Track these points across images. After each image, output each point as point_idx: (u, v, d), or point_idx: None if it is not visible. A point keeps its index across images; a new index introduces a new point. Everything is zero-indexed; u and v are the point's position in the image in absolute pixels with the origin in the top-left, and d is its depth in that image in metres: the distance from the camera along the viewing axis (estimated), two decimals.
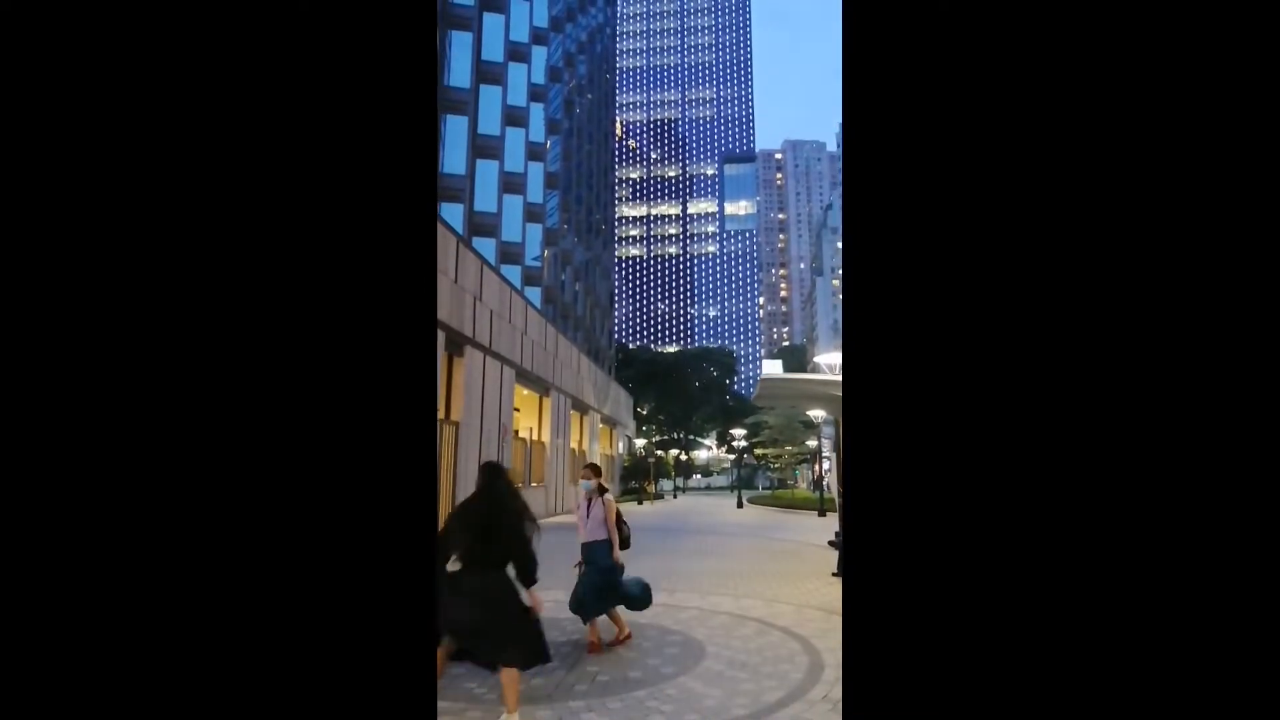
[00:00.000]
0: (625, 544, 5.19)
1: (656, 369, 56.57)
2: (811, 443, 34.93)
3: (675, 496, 42.14)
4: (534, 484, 21.17)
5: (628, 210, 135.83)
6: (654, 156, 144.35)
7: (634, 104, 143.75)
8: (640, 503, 31.65)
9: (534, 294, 26.79)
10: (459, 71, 24.67)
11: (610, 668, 4.54)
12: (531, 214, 28.38)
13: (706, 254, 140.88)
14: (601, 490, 5.23)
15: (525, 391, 20.80)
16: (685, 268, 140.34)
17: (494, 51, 26.34)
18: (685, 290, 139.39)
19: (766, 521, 20.05)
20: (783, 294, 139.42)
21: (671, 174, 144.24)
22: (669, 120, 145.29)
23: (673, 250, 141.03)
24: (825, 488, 25.44)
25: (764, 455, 43.66)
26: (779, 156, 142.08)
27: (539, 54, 30.10)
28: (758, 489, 50.05)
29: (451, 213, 22.72)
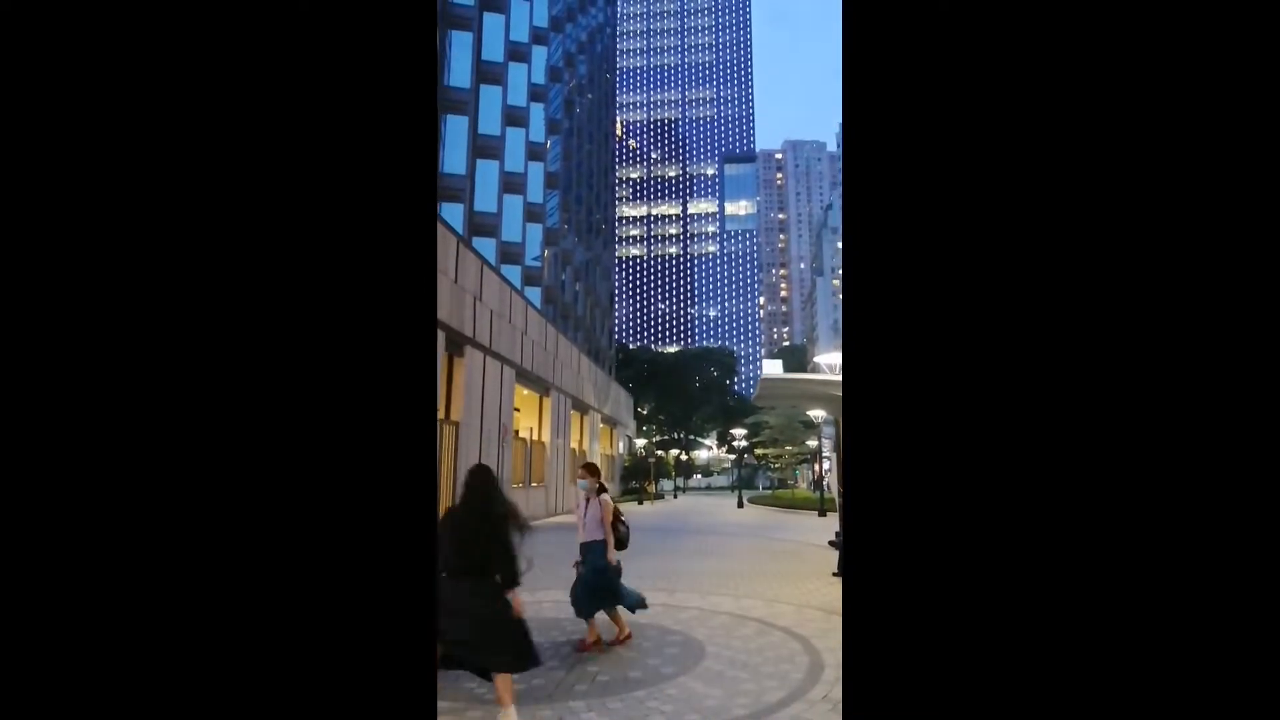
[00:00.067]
0: (622, 544, 5.19)
1: (657, 369, 56.59)
2: (812, 443, 34.93)
3: (675, 496, 42.13)
4: (534, 484, 21.17)
5: (628, 210, 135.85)
6: (654, 156, 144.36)
7: (634, 104, 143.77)
8: (640, 503, 31.65)
9: (534, 294, 26.79)
10: (459, 71, 24.67)
11: (610, 668, 4.54)
12: (532, 214, 28.38)
13: (707, 254, 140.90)
14: (600, 490, 5.23)
15: (525, 391, 20.81)
16: (685, 268, 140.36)
17: (494, 51, 26.34)
18: (685, 290, 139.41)
19: (767, 521, 20.05)
20: (783, 294, 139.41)
21: (672, 174, 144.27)
22: (669, 120, 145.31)
23: (673, 250, 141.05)
24: (825, 488, 25.45)
25: (764, 455, 43.65)
26: (779, 156, 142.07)
27: (539, 54, 30.10)
28: (758, 489, 50.04)
29: (452, 213, 22.72)
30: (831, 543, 11.34)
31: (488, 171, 25.61)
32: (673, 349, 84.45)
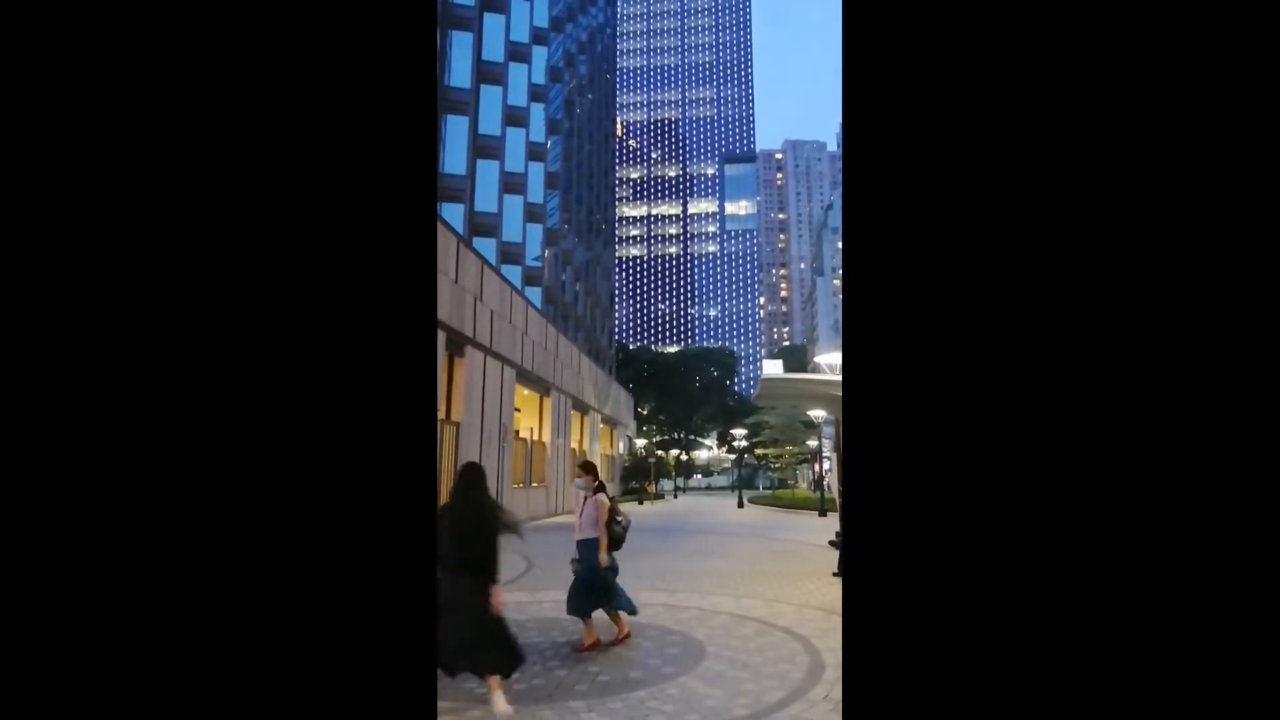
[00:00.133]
0: (615, 544, 5.20)
1: (657, 369, 56.57)
2: (812, 443, 34.92)
3: (676, 496, 42.12)
4: (535, 484, 21.17)
5: (628, 210, 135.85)
6: (654, 156, 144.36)
7: (634, 104, 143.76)
8: (641, 503, 31.64)
9: (534, 294, 26.79)
10: (459, 71, 24.67)
11: (610, 668, 4.54)
12: (532, 214, 28.38)
13: (707, 254, 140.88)
14: (598, 489, 5.25)
15: (526, 391, 20.80)
16: (686, 268, 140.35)
17: (494, 51, 26.33)
18: (686, 290, 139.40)
19: (767, 521, 20.04)
20: (783, 294, 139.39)
21: (672, 174, 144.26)
22: (669, 120, 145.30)
23: (673, 250, 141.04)
24: (826, 488, 25.44)
25: (764, 455, 43.65)
26: (779, 156, 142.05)
27: (539, 54, 30.10)
28: (758, 489, 50.03)
29: (452, 213, 22.72)
30: (832, 543, 11.34)
31: (488, 172, 25.61)
32: (673, 349, 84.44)
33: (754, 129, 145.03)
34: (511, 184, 26.91)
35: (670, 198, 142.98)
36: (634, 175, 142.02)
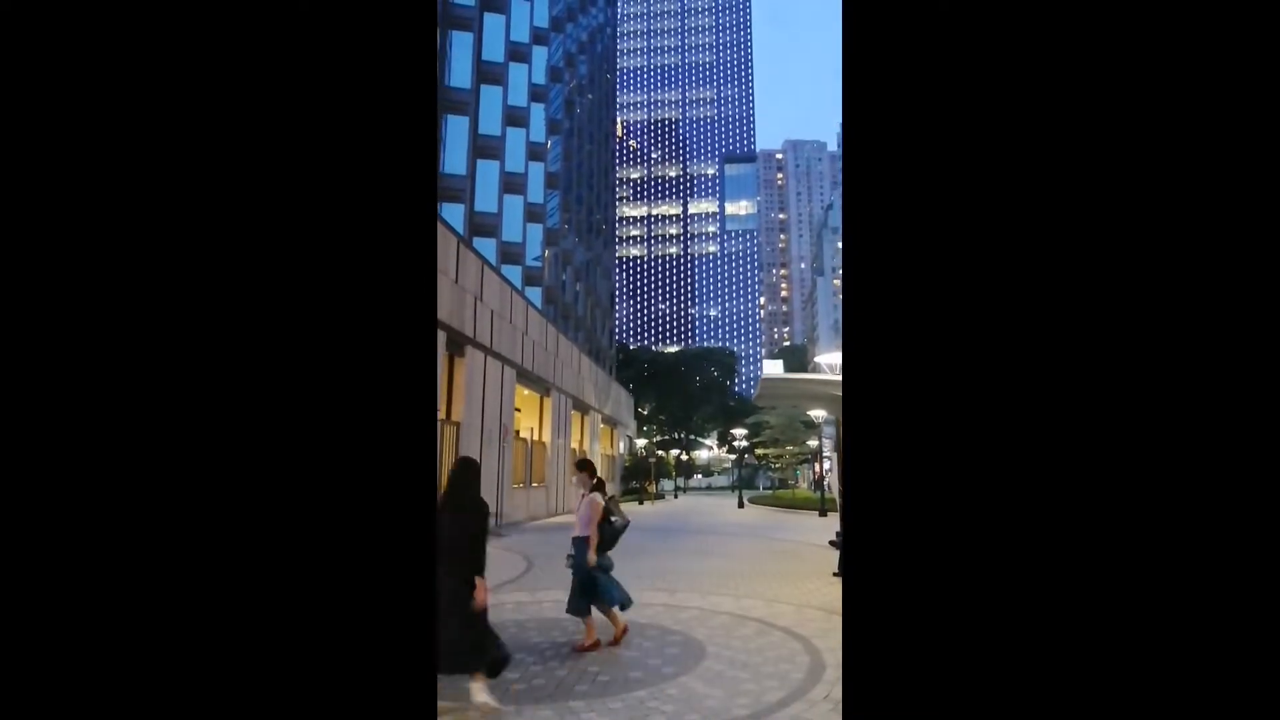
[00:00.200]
0: (605, 543, 5.21)
1: (657, 369, 56.56)
2: (812, 443, 34.92)
3: (676, 496, 42.11)
4: (535, 484, 21.17)
5: (628, 210, 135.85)
6: (654, 156, 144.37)
7: (634, 104, 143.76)
8: (641, 503, 31.63)
9: (535, 294, 26.79)
10: (459, 71, 24.67)
11: (610, 668, 4.54)
12: (532, 214, 28.38)
13: (707, 254, 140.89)
14: (595, 487, 5.27)
15: (526, 391, 20.81)
16: (686, 268, 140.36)
17: (494, 52, 26.33)
18: (686, 290, 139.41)
19: (767, 521, 20.04)
20: (783, 294, 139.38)
21: (672, 174, 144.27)
22: (669, 120, 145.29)
23: (673, 250, 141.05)
24: (826, 488, 25.43)
25: (765, 455, 43.64)
26: (780, 156, 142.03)
27: (539, 54, 30.10)
28: (759, 489, 50.01)
29: (452, 213, 22.71)
30: (832, 542, 11.33)
31: (488, 172, 25.61)
32: (673, 349, 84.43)
33: (754, 129, 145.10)
34: (512, 184, 26.91)
35: (670, 198, 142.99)
36: (634, 175, 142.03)
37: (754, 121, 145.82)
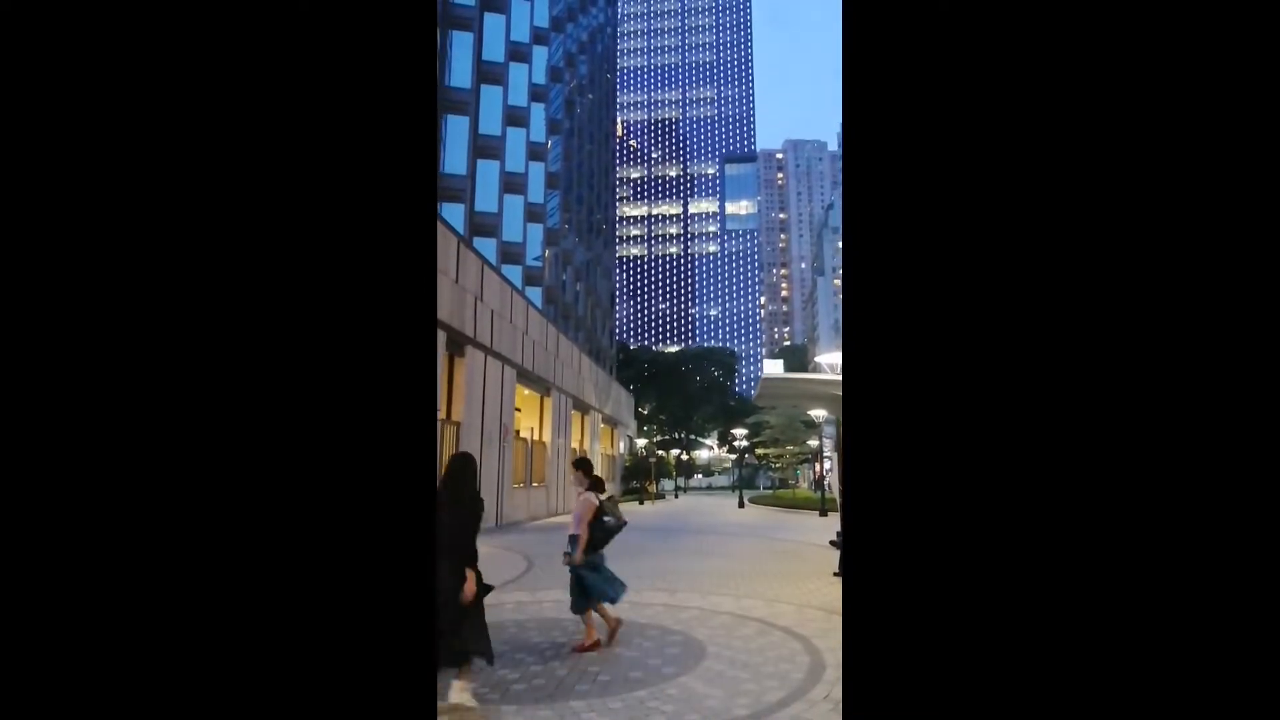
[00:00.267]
0: (600, 542, 5.22)
1: (658, 369, 56.58)
2: (813, 442, 34.92)
3: (676, 496, 42.12)
4: (535, 484, 21.18)
5: (629, 210, 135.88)
6: (655, 156, 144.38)
7: (635, 104, 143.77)
8: (641, 503, 31.64)
9: (535, 294, 26.80)
10: (460, 71, 24.68)
11: (610, 668, 4.54)
12: (532, 214, 28.39)
13: (707, 254, 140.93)
14: (591, 486, 5.30)
15: (526, 391, 20.81)
16: (686, 267, 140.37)
17: (495, 51, 26.34)
18: (686, 290, 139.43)
19: (768, 521, 20.04)
20: (784, 294, 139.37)
21: (672, 174, 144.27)
22: (670, 120, 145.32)
23: (674, 250, 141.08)
24: (826, 487, 25.43)
25: (765, 455, 43.65)
26: (780, 156, 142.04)
27: (540, 54, 30.11)
28: (759, 489, 50.05)
29: (452, 213, 22.72)
30: (832, 542, 11.33)
31: (488, 171, 25.62)
32: (674, 349, 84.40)
33: (754, 129, 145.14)
34: (512, 184, 26.92)
35: (671, 197, 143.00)
36: (634, 175, 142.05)
37: (754, 121, 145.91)
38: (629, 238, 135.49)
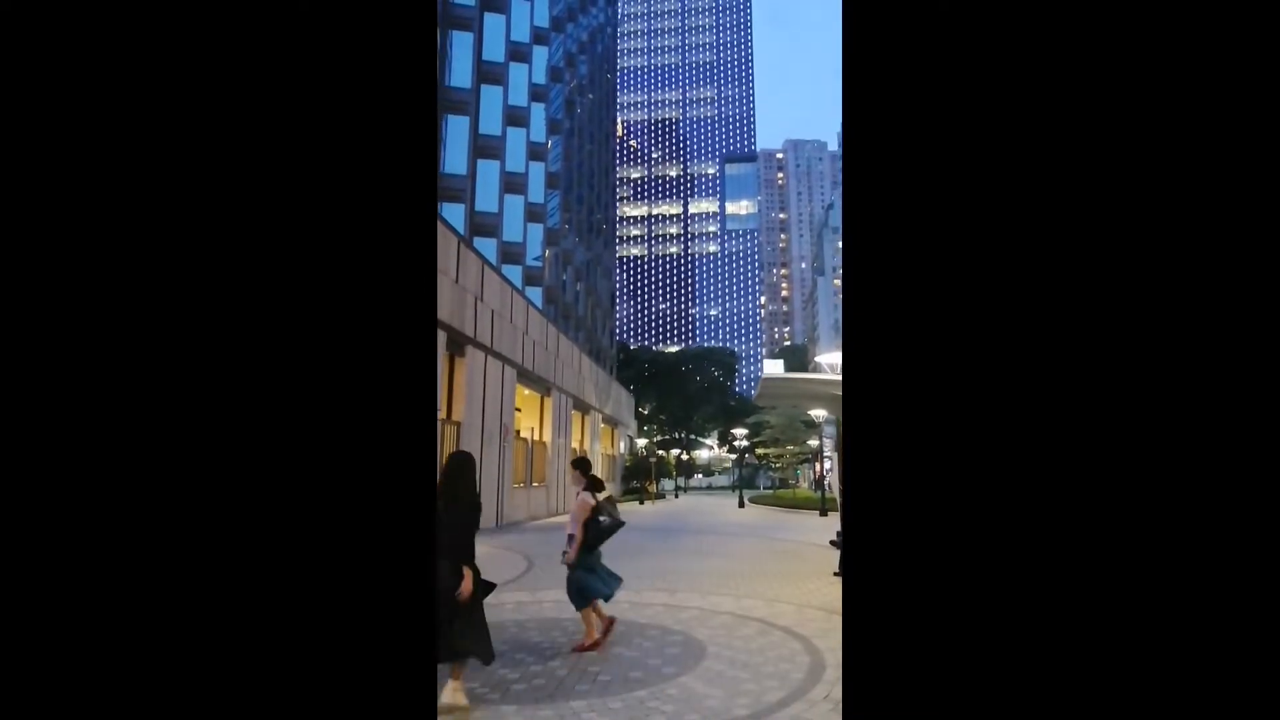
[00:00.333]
0: (596, 542, 5.22)
1: (658, 369, 56.59)
2: (813, 442, 34.92)
3: (677, 496, 42.11)
4: (535, 484, 21.18)
5: (629, 210, 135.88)
6: (655, 156, 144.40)
7: (635, 104, 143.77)
8: (641, 502, 31.64)
9: (535, 294, 26.80)
10: (460, 71, 24.68)
11: (610, 668, 4.54)
12: (533, 214, 28.39)
13: (708, 253, 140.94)
14: (588, 486, 5.31)
15: (527, 391, 20.82)
16: (686, 267, 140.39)
17: (495, 51, 26.34)
18: (686, 290, 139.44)
19: (768, 521, 20.04)
20: (784, 293, 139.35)
21: (672, 174, 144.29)
22: (670, 120, 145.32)
23: (674, 250, 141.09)
24: (827, 487, 25.43)
25: (765, 455, 43.65)
26: (780, 156, 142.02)
27: (540, 54, 30.10)
28: (759, 489, 50.04)
29: (453, 213, 22.72)
30: (832, 542, 11.33)
31: (489, 171, 25.62)
32: (674, 349, 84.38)
33: (754, 128, 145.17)
34: (512, 184, 26.92)
35: (671, 197, 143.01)
36: (634, 175, 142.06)
37: (754, 121, 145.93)
38: (629, 238, 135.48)
